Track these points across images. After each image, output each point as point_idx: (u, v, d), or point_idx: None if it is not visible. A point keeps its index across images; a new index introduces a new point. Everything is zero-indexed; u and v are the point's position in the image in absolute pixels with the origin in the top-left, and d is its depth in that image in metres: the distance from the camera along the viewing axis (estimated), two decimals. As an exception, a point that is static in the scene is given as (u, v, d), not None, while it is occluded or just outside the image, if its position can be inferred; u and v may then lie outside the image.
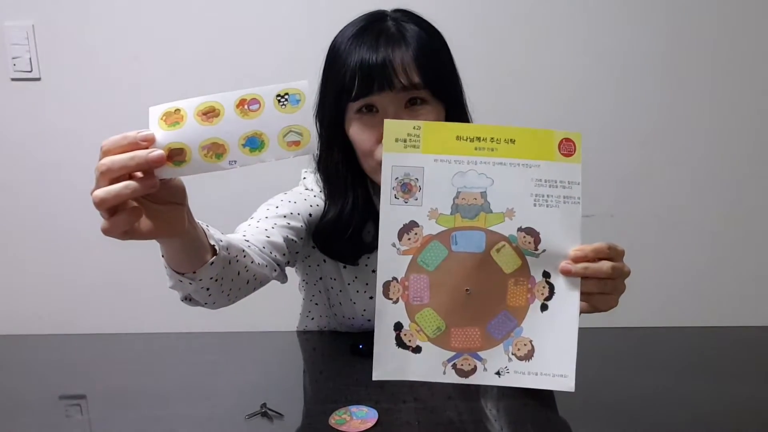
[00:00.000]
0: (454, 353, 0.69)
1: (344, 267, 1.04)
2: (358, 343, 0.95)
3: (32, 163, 1.78)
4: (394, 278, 0.68)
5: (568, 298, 0.68)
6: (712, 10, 1.74)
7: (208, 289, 0.75)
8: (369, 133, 0.90)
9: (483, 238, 0.67)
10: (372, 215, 0.97)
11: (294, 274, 1.12)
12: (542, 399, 0.78)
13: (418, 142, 0.67)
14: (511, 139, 0.67)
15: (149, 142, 0.57)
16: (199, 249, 0.70)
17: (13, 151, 1.78)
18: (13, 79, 1.74)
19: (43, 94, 1.75)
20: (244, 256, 0.79)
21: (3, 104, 1.75)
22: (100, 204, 0.55)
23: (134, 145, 0.57)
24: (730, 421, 0.77)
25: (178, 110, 0.59)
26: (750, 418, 0.77)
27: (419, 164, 0.67)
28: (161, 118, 0.59)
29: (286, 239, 0.93)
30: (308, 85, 0.60)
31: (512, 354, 0.68)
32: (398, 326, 0.68)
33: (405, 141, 0.67)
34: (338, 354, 0.98)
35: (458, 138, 0.67)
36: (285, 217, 0.95)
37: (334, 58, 0.92)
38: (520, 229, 0.67)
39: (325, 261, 1.05)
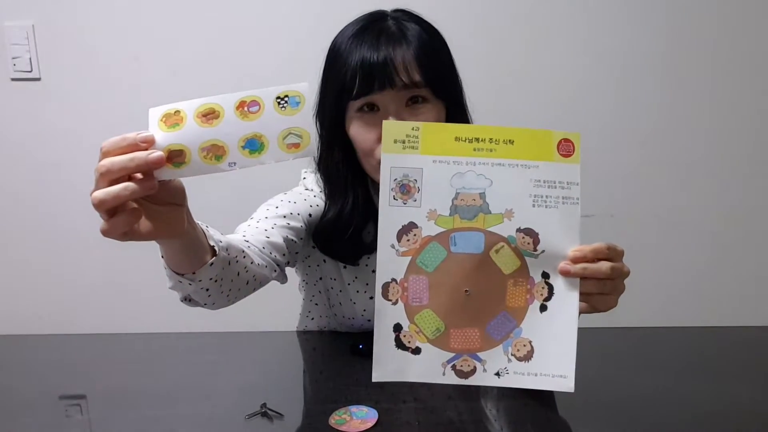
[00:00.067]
0: (453, 354, 0.68)
1: (344, 267, 1.04)
2: (358, 343, 0.95)
3: (32, 163, 1.78)
4: (393, 279, 0.68)
5: (567, 299, 0.68)
6: (712, 10, 1.74)
7: (207, 289, 0.75)
8: (370, 132, 0.90)
9: (482, 239, 0.67)
10: (372, 215, 0.97)
11: (294, 275, 1.12)
12: (542, 399, 0.78)
13: (417, 143, 0.67)
14: (509, 140, 0.67)
15: (149, 143, 0.57)
16: (199, 250, 0.70)
17: (13, 151, 1.78)
18: (13, 79, 1.74)
19: (43, 94, 1.75)
20: (244, 257, 0.79)
21: (3, 104, 1.75)
22: (99, 205, 0.55)
23: (134, 147, 0.57)
24: (730, 421, 0.77)
25: (177, 112, 0.59)
26: (750, 418, 0.77)
27: (418, 165, 0.67)
28: (161, 120, 0.59)
29: (285, 239, 0.93)
30: (308, 87, 0.60)
31: (512, 355, 0.68)
32: (397, 327, 0.68)
33: (404, 142, 0.67)
34: (338, 354, 0.99)
35: (457, 139, 0.67)
36: (285, 217, 0.95)
37: (335, 57, 0.92)
38: (519, 230, 0.67)
39: (325, 261, 1.05)
